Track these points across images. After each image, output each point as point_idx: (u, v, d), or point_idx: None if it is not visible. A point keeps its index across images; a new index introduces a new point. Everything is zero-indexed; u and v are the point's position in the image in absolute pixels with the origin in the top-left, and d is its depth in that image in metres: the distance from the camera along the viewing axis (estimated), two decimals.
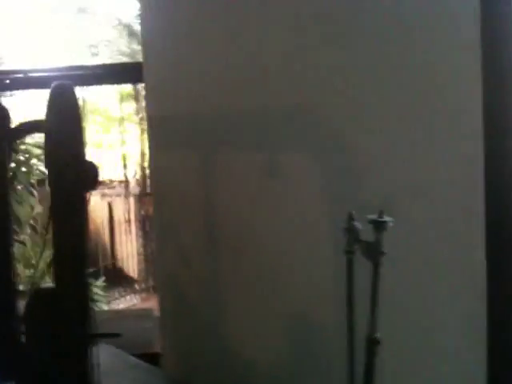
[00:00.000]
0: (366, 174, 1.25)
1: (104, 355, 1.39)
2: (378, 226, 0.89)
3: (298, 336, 1.55)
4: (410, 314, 1.24)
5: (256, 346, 1.59)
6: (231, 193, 1.56)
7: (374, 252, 0.91)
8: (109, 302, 5.03)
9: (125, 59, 6.21)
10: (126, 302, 5.53)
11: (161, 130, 1.88)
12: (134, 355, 2.16)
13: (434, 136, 1.20)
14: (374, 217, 0.90)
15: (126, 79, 2.94)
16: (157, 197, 1.95)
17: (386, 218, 0.90)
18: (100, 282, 4.50)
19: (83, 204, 1.12)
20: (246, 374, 1.63)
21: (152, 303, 4.48)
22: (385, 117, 1.24)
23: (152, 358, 2.05)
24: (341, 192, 1.27)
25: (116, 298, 5.37)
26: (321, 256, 1.38)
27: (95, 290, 4.77)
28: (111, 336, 1.91)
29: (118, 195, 5.95)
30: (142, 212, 5.64)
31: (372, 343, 0.93)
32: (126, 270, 5.99)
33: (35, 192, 3.61)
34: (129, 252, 5.90)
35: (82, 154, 1.07)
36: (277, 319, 1.58)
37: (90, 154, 1.13)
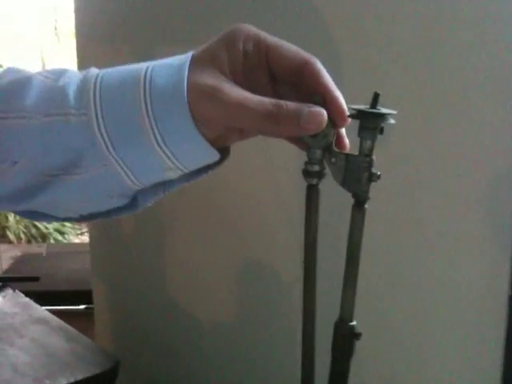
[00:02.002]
0: None
1: (8, 305, 1.10)
2: (369, 123, 0.45)
3: (250, 288, 1.28)
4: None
5: (200, 297, 1.31)
6: None
7: (358, 175, 0.46)
8: (82, 234, 4.73)
9: None
10: None
11: None
12: (68, 291, 2.22)
13: None
14: (361, 106, 0.45)
15: None
16: None
17: (384, 109, 0.45)
18: None
19: None
20: (190, 332, 1.34)
21: None
22: None
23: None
24: None
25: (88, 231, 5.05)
26: (279, 191, 1.08)
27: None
28: (28, 280, 1.74)
29: None
30: None
31: (348, 336, 0.49)
32: None
33: None
34: None
35: None
36: (226, 267, 1.32)
37: None
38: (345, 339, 0.49)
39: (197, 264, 1.42)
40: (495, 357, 0.90)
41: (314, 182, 0.48)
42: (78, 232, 4.67)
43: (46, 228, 4.40)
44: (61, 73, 0.47)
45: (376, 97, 0.45)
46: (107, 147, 0.44)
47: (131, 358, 1.54)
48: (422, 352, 1.01)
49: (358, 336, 0.49)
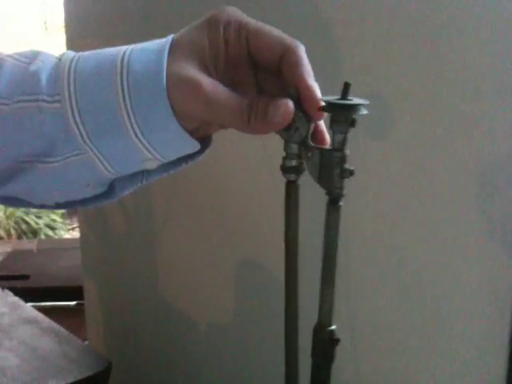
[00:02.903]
0: None
1: None
2: (339, 115, 0.43)
3: (244, 287, 1.25)
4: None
5: (193, 295, 1.30)
6: None
7: (330, 171, 0.45)
8: (73, 229, 4.70)
9: None
10: None
11: None
12: (59, 287, 2.14)
13: None
14: (330, 98, 0.43)
15: None
16: None
17: (355, 100, 0.43)
18: None
19: None
20: (183, 331, 1.33)
21: None
22: None
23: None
24: None
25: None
26: (275, 189, 1.05)
27: (53, 216, 4.41)
28: (18, 278, 1.73)
29: None
30: None
31: (327, 342, 0.49)
32: None
33: None
34: None
35: None
36: (219, 265, 1.31)
37: None
38: (324, 345, 0.48)
39: (189, 261, 1.41)
40: (500, 353, 0.90)
41: (292, 177, 0.47)
42: (69, 227, 4.65)
43: (37, 224, 4.38)
44: (33, 55, 0.46)
45: (346, 87, 0.43)
46: (82, 137, 0.42)
47: (122, 356, 1.54)
48: (425, 350, 1.01)
49: (336, 341, 0.48)
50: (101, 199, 0.51)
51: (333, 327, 0.48)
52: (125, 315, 1.65)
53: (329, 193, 0.46)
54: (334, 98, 0.43)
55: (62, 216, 4.59)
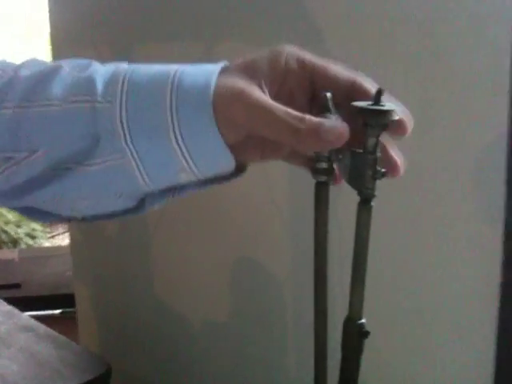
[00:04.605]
0: None
1: None
2: (372, 120, 0.44)
3: (240, 285, 1.26)
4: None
5: (189, 297, 1.31)
6: None
7: (362, 172, 0.46)
8: (52, 237, 4.65)
9: None
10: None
11: None
12: (51, 296, 2.10)
13: None
14: (364, 103, 0.45)
15: None
16: None
17: (387, 105, 0.44)
18: None
19: None
20: (180, 333, 1.34)
21: None
22: None
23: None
24: None
25: (60, 233, 4.97)
26: (269, 187, 1.00)
27: (33, 225, 4.36)
28: (10, 287, 1.72)
29: None
30: None
31: (356, 335, 0.51)
32: None
33: None
34: None
35: None
36: (215, 266, 1.31)
37: None
38: (353, 337, 0.50)
39: (184, 262, 1.41)
40: (488, 343, 0.93)
41: (323, 179, 0.48)
42: (49, 236, 4.61)
43: (17, 233, 4.32)
44: (87, 64, 0.47)
45: (379, 93, 0.44)
46: (125, 138, 0.44)
47: (120, 362, 1.54)
48: (420, 341, 1.04)
49: (366, 334, 0.50)
50: (129, 213, 0.51)
51: (363, 321, 0.50)
52: (120, 319, 1.65)
53: (360, 193, 0.48)
54: (367, 103, 0.45)
55: (42, 224, 4.54)
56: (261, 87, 0.44)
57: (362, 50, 1.01)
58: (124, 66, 0.46)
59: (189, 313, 1.41)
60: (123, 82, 0.44)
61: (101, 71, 0.46)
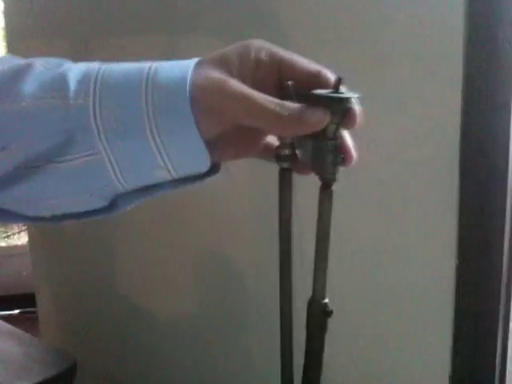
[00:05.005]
0: None
1: None
2: (333, 106, 0.46)
3: (208, 281, 1.24)
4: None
5: (154, 294, 1.31)
6: None
7: (323, 158, 0.49)
8: (8, 237, 4.56)
9: None
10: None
11: None
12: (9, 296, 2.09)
13: None
14: (324, 91, 0.48)
15: None
16: None
17: (347, 93, 0.47)
18: None
19: None
20: (141, 329, 1.33)
21: None
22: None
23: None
24: None
25: (16, 233, 4.87)
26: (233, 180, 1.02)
27: None
28: None
29: None
30: None
31: (320, 314, 0.54)
32: None
33: None
34: None
35: None
36: (179, 258, 1.29)
37: None
38: (317, 317, 0.53)
39: (145, 257, 1.41)
40: (444, 329, 0.97)
41: (286, 165, 0.50)
42: (4, 235, 4.52)
43: None
44: (60, 63, 0.47)
45: (338, 81, 0.47)
46: (99, 134, 0.43)
47: (83, 360, 1.54)
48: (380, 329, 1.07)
49: (329, 314, 0.53)
50: (100, 213, 0.50)
51: (326, 300, 0.53)
52: (82, 317, 1.64)
53: (321, 178, 0.50)
54: (326, 91, 0.48)
55: None
56: (236, 78, 0.45)
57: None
58: (97, 64, 0.46)
59: (152, 308, 1.42)
60: (96, 79, 0.44)
61: (74, 69, 0.46)
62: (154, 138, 0.43)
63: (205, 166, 0.46)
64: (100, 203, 0.49)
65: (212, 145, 0.45)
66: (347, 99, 0.47)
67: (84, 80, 0.44)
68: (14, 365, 1.19)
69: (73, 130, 0.44)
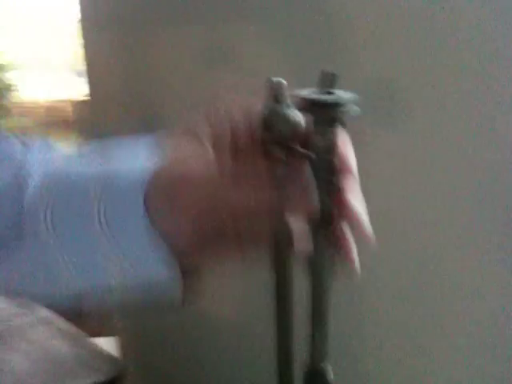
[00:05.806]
0: None
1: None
2: (320, 113, 0.34)
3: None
4: None
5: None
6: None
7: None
8: None
9: None
10: None
11: None
12: None
13: None
14: (310, 92, 0.35)
15: None
16: None
17: (341, 93, 0.34)
18: None
19: None
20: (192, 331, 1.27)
21: None
22: None
23: None
24: None
25: None
26: None
27: None
28: None
29: None
30: None
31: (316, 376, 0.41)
32: None
33: None
34: None
35: None
36: None
37: None
38: None
39: None
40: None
41: None
42: None
43: None
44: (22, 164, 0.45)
45: (330, 77, 0.34)
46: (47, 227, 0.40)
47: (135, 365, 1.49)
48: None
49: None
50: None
51: (326, 367, 0.41)
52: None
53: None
54: (313, 91, 0.35)
55: None
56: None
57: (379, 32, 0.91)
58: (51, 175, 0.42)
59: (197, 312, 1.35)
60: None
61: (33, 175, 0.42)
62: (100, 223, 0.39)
63: (168, 268, 0.40)
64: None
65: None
66: (340, 104, 0.34)
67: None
68: (62, 366, 1.15)
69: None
